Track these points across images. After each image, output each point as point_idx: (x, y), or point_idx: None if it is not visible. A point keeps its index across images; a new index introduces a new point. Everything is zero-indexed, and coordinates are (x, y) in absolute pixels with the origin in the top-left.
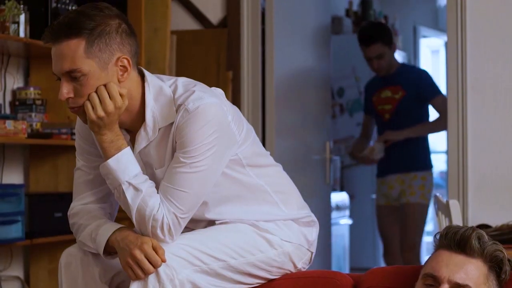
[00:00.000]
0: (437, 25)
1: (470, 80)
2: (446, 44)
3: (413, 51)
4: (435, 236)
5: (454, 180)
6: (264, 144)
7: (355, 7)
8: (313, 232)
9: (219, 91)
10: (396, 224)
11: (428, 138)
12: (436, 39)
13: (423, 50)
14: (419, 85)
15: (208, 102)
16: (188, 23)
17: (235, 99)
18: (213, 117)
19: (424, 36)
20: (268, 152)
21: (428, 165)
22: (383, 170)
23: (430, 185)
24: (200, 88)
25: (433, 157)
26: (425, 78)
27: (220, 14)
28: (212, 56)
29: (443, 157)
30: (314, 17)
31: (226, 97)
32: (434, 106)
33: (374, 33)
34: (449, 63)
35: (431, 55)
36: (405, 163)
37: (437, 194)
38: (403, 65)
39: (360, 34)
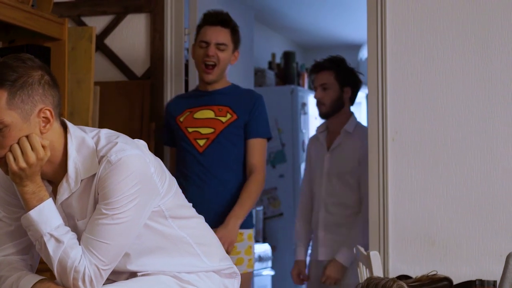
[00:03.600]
0: None
1: (391, 133)
2: (367, 97)
3: None
4: (356, 287)
5: (375, 232)
6: (186, 196)
7: (278, 59)
8: (235, 284)
9: (141, 143)
10: None
11: None
12: None
13: None
14: (253, 113)
15: (131, 154)
16: (112, 74)
17: (158, 150)
18: (136, 169)
19: None
20: (190, 204)
21: (251, 223)
22: None
23: (252, 249)
24: (122, 139)
25: None
26: (261, 108)
27: (144, 65)
28: (136, 107)
29: None
30: (237, 69)
31: (149, 148)
32: (250, 147)
33: (227, 17)
34: (370, 115)
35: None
36: (214, 217)
37: (358, 245)
38: (234, 85)
39: (211, 15)
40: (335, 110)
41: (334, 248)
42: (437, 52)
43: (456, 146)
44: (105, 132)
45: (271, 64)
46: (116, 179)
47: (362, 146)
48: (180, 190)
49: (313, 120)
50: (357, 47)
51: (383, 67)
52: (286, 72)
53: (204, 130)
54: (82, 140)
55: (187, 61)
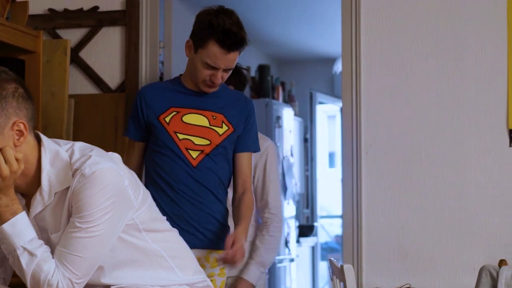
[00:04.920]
0: (333, 92)
1: (365, 146)
2: (341, 110)
3: (310, 116)
4: None
5: (349, 245)
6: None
7: (253, 73)
8: None
9: (116, 156)
10: None
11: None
12: (332, 105)
13: (320, 115)
14: (248, 125)
15: (105, 167)
16: (87, 87)
17: None
18: (110, 182)
19: (321, 102)
20: (165, 217)
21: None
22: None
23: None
24: (96, 152)
25: (329, 221)
26: (254, 118)
27: (118, 78)
28: (110, 120)
29: (339, 221)
30: None
31: (124, 161)
32: (243, 161)
33: (245, 38)
34: (344, 128)
35: (328, 120)
36: (214, 238)
37: (332, 259)
38: (223, 85)
39: (229, 37)
40: None
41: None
42: (411, 66)
43: (429, 160)
44: (79, 145)
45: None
46: (90, 192)
47: (263, 153)
48: (154, 203)
49: (287, 134)
50: (331, 60)
51: (357, 81)
52: (261, 85)
53: (198, 140)
54: (56, 153)
55: (162, 74)
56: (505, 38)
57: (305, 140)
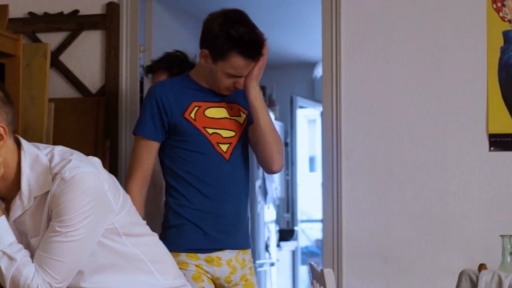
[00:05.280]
0: (313, 96)
1: (345, 150)
2: (322, 114)
3: (290, 120)
4: None
5: (329, 249)
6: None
7: None
8: None
9: (96, 160)
10: None
11: None
12: (312, 109)
13: (300, 119)
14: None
15: (85, 171)
16: (67, 91)
17: (113, 168)
18: (90, 186)
19: (301, 107)
20: (145, 222)
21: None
22: (209, 244)
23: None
24: (76, 156)
25: (310, 225)
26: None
27: (98, 82)
28: (90, 124)
29: (319, 225)
30: None
31: (104, 165)
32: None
33: (264, 44)
34: (325, 132)
35: (308, 124)
36: (241, 237)
37: (312, 263)
38: None
39: (251, 46)
40: None
41: None
42: (391, 70)
43: (409, 164)
44: (59, 149)
45: None
46: (70, 197)
47: None
48: (134, 208)
49: None
50: (312, 65)
51: (337, 85)
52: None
53: (226, 133)
54: (36, 157)
55: (142, 78)
56: (485, 43)
57: (286, 144)
